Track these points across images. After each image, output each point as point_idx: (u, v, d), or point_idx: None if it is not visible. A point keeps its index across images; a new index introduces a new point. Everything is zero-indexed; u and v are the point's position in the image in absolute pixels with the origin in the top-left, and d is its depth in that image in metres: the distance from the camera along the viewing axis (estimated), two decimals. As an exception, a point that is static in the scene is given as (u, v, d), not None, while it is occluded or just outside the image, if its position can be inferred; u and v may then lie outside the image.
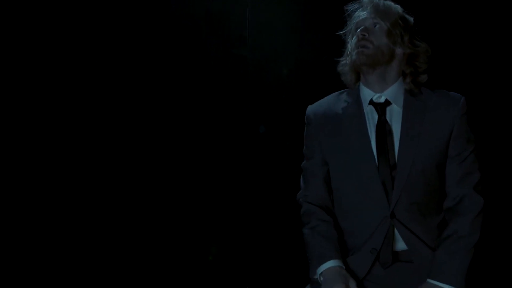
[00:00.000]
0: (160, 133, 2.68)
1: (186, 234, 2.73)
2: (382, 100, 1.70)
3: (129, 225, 2.65)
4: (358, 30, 1.70)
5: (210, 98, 2.73)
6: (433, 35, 1.88)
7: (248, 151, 2.73)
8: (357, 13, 1.75)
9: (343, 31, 1.80)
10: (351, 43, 1.72)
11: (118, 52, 2.62)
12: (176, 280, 2.71)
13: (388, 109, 1.69)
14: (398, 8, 1.75)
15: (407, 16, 1.75)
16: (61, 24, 2.52)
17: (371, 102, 1.71)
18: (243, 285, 2.73)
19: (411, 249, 1.62)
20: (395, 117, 1.68)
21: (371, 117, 1.70)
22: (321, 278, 1.64)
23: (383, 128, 1.65)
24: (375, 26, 1.69)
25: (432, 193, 1.65)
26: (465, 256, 1.56)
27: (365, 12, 1.72)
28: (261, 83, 2.69)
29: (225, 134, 2.75)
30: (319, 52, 2.63)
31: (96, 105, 2.59)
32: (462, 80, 2.41)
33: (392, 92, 1.70)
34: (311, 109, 1.82)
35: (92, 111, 2.59)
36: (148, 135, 2.67)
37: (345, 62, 1.77)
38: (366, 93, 1.73)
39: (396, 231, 1.62)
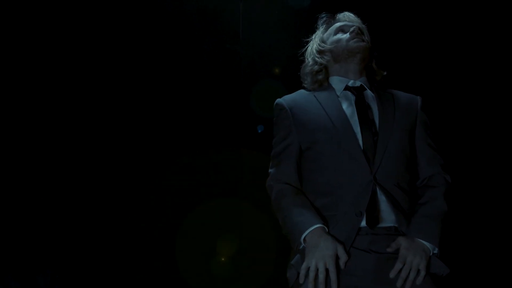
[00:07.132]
0: (154, 128, 2.75)
1: (186, 234, 2.80)
2: (357, 84, 1.87)
3: (126, 226, 2.74)
4: (344, 27, 1.90)
5: (204, 92, 2.78)
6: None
7: (241, 144, 2.78)
8: (335, 23, 1.94)
9: (309, 39, 1.98)
10: (340, 40, 1.89)
11: (112, 48, 2.69)
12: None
13: (364, 92, 1.86)
14: None
15: None
16: (53, 21, 2.60)
17: (347, 88, 1.86)
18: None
19: (394, 214, 1.68)
20: (370, 99, 1.85)
21: (346, 99, 1.85)
22: (305, 245, 1.63)
23: (363, 103, 1.82)
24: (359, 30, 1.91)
25: (407, 167, 1.78)
26: (440, 221, 1.68)
27: (346, 21, 1.93)
28: (254, 78, 2.74)
29: (218, 127, 2.80)
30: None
31: (87, 102, 2.67)
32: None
33: (364, 81, 1.89)
34: (281, 99, 1.92)
35: (83, 108, 2.67)
36: (141, 129, 2.74)
37: (313, 63, 1.88)
38: (340, 81, 1.89)
39: (379, 196, 1.68)
